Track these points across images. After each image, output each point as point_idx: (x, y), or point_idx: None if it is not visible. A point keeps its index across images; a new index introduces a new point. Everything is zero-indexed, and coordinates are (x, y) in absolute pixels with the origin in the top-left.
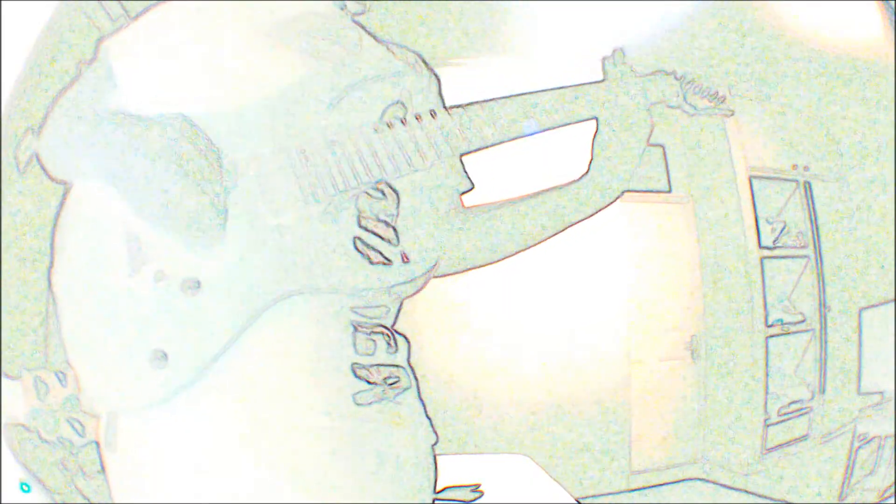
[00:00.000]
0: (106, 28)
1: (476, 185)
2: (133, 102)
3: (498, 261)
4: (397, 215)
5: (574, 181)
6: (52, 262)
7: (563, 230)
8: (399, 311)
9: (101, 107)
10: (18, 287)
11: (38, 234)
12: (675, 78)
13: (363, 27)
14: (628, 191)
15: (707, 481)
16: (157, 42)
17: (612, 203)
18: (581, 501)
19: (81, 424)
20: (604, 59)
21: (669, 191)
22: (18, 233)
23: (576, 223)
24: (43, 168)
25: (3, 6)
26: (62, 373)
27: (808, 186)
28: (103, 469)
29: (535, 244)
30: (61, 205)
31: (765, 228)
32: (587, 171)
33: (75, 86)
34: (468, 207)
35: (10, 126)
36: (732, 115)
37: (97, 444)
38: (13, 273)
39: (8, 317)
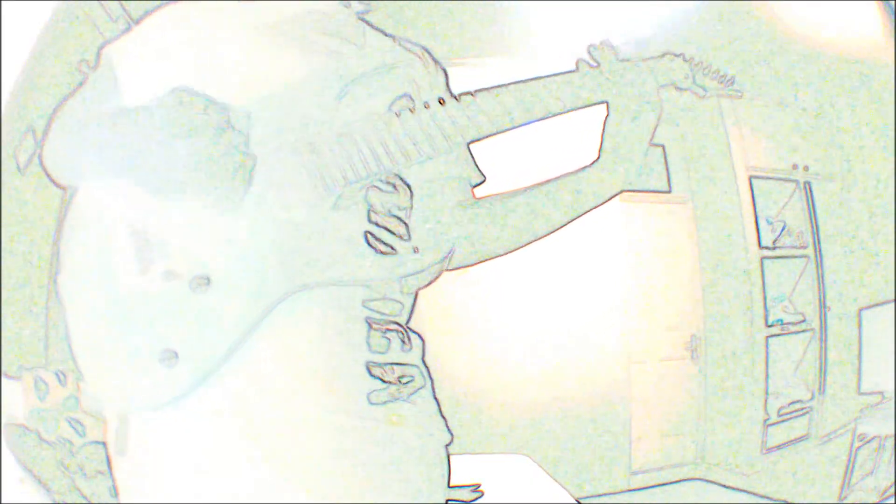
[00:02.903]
0: (106, 28)
1: (487, 178)
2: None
3: (512, 251)
4: (410, 209)
5: (586, 167)
6: (58, 267)
7: (578, 217)
8: (413, 308)
9: (104, 110)
10: (18, 287)
11: (38, 234)
12: (684, 60)
13: (368, 22)
14: (628, 191)
15: (707, 481)
16: (162, 41)
17: (625, 189)
18: (581, 501)
19: (81, 424)
20: (590, 47)
21: (669, 191)
22: (18, 232)
23: (591, 209)
24: (47, 174)
25: (3, 6)
26: (62, 373)
27: (808, 186)
28: (109, 469)
29: (551, 232)
30: (66, 209)
31: (765, 228)
32: (598, 156)
33: (79, 92)
34: (480, 197)
35: (10, 126)
36: (742, 97)
37: (104, 445)
38: (13, 273)
39: (8, 317)
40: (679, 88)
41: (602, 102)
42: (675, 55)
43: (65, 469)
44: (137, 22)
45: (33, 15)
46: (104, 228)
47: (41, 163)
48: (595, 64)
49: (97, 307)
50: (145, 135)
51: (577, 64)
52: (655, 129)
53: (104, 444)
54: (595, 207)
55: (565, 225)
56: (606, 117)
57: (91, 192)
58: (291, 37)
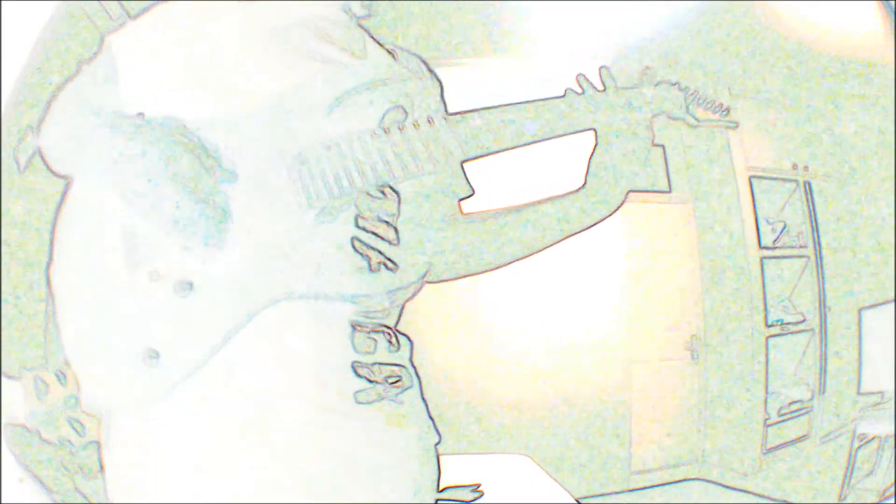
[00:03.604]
0: (106, 28)
1: (476, 192)
2: (132, 102)
3: (494, 269)
4: (398, 215)
5: (573, 192)
6: (51, 258)
7: (561, 240)
8: (402, 310)
9: (101, 103)
10: (18, 287)
11: (38, 234)
12: (679, 89)
13: (367, 31)
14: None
15: (707, 481)
16: (158, 41)
17: (612, 214)
18: (581, 501)
19: (81, 424)
20: (578, 76)
21: (669, 191)
22: (18, 232)
23: (574, 234)
24: (45, 162)
25: (3, 6)
26: (62, 373)
27: (808, 186)
28: (103, 469)
29: (533, 253)
30: (62, 200)
31: (765, 228)
32: (584, 183)
33: (77, 79)
34: (466, 214)
35: (10, 126)
36: (737, 127)
37: (98, 443)
38: (13, 273)
39: (8, 317)
40: (672, 117)
41: (591, 129)
42: (671, 84)
43: (65, 469)
44: (135, 18)
45: (33, 15)
46: (96, 223)
47: (39, 149)
48: (582, 91)
49: (86, 300)
50: (133, 159)
51: (565, 91)
52: (646, 157)
53: (98, 443)
54: (577, 233)
55: (547, 248)
56: (595, 144)
57: (85, 186)
58: (290, 43)
